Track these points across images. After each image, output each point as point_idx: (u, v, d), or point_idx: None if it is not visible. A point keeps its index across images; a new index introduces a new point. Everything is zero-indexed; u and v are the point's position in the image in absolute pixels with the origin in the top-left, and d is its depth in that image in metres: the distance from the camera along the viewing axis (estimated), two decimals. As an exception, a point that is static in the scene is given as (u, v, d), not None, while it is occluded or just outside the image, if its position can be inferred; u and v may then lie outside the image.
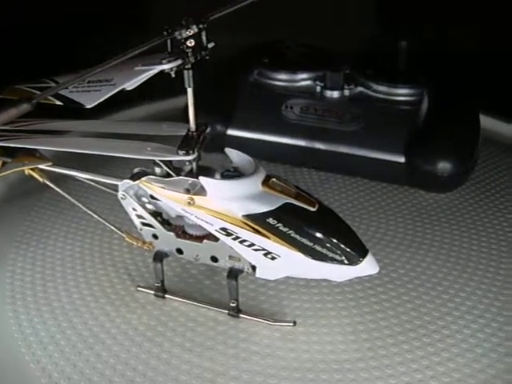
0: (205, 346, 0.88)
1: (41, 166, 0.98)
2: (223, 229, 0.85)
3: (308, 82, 1.28)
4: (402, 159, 1.15)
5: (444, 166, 1.12)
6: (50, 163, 0.98)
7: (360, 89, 1.24)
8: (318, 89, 1.26)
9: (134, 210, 0.91)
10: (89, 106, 0.80)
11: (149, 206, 0.91)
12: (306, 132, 1.21)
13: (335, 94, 1.25)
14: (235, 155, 0.89)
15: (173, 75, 0.79)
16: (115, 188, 0.92)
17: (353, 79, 1.25)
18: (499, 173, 1.24)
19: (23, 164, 1.00)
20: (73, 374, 0.84)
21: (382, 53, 1.27)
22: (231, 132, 1.25)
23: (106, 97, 0.80)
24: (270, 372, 0.83)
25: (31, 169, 0.98)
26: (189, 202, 0.85)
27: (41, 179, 0.98)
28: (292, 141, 1.22)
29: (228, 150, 0.90)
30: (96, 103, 0.80)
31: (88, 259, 1.04)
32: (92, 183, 0.97)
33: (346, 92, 1.24)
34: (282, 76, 1.29)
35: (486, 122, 1.27)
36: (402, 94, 1.22)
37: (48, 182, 0.98)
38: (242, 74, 1.31)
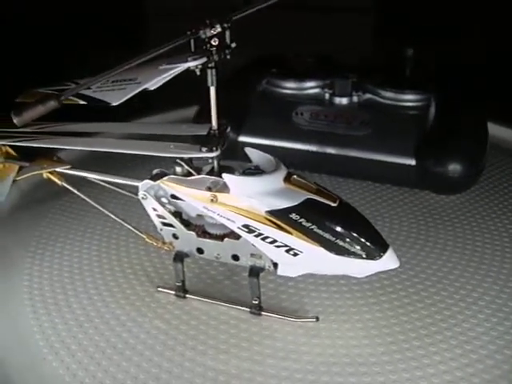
0: (229, 344, 0.88)
1: (59, 169, 0.99)
2: (245, 226, 0.85)
3: (317, 90, 1.31)
4: (412, 162, 1.17)
5: (454, 168, 1.14)
6: (69, 166, 0.99)
7: (368, 95, 1.27)
8: (327, 96, 1.29)
9: (155, 210, 0.92)
10: (114, 104, 0.81)
11: (169, 207, 0.92)
12: (316, 137, 1.23)
13: (344, 100, 1.28)
14: (255, 154, 0.91)
15: (198, 73, 0.81)
16: (132, 190, 0.93)
17: (361, 86, 1.28)
18: (506, 176, 1.27)
19: (41, 167, 1.01)
20: (97, 372, 0.84)
21: (389, 61, 1.31)
22: (242, 139, 1.27)
23: (131, 95, 0.81)
24: (296, 367, 0.84)
25: (49, 172, 1.00)
26: (212, 200, 0.86)
27: (59, 182, 0.99)
28: (303, 146, 1.24)
29: (248, 150, 0.91)
30: (122, 101, 0.81)
31: (106, 262, 1.05)
32: (109, 186, 0.99)
33: (355, 98, 1.27)
34: (292, 84, 1.32)
35: (492, 128, 1.29)
36: (410, 99, 1.25)
37: (66, 185, 0.99)
38: (252, 83, 1.34)
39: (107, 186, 0.98)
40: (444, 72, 1.28)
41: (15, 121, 0.79)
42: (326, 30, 1.74)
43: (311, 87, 1.31)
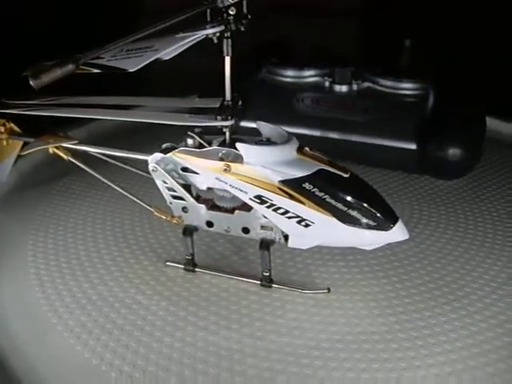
0: (241, 314, 0.88)
1: (65, 144, 0.98)
2: (258, 196, 0.86)
3: (317, 78, 1.33)
4: (413, 146, 1.19)
5: (454, 152, 1.17)
6: (76, 141, 0.99)
7: (367, 84, 1.30)
8: (327, 84, 1.31)
9: (165, 182, 0.92)
10: (131, 70, 0.81)
11: (179, 180, 0.92)
12: (318, 123, 1.24)
13: (344, 88, 1.29)
14: (266, 127, 0.91)
15: (215, 41, 0.82)
16: (139, 166, 0.93)
17: (360, 75, 1.30)
18: (501, 164, 1.29)
19: (48, 142, 1.00)
20: (109, 341, 0.83)
21: (388, 51, 1.34)
22: (245, 124, 1.27)
23: (148, 61, 0.81)
24: (309, 335, 0.84)
25: (56, 147, 0.99)
26: (225, 169, 0.86)
27: (65, 157, 0.98)
28: (305, 131, 1.25)
29: (259, 123, 0.92)
30: (139, 67, 0.81)
31: (111, 239, 1.04)
32: (115, 162, 0.98)
33: (355, 86, 1.29)
34: (292, 73, 1.34)
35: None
36: (408, 88, 1.27)
37: (73, 160, 0.98)
38: (253, 71, 1.35)
39: (113, 162, 0.98)
40: (443, 60, 1.31)
41: (32, 83, 0.79)
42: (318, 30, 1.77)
43: (311, 75, 1.33)
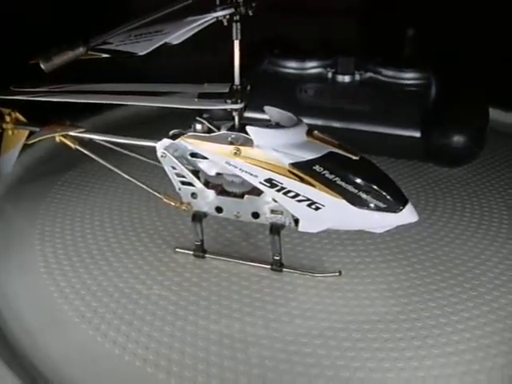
0: (253, 298, 0.88)
1: (72, 133, 0.98)
2: (268, 180, 0.86)
3: (319, 69, 1.33)
4: (417, 134, 1.20)
5: (458, 139, 1.17)
6: (83, 129, 0.98)
7: (370, 74, 1.30)
8: (330, 74, 1.31)
9: (174, 168, 0.92)
10: (141, 54, 0.81)
11: (187, 166, 0.92)
12: (322, 112, 1.24)
13: (347, 78, 1.30)
14: (274, 112, 0.91)
15: (225, 23, 0.82)
16: (145, 154, 0.94)
17: (362, 65, 1.31)
18: (503, 153, 1.30)
19: (54, 131, 1.00)
20: (121, 325, 0.83)
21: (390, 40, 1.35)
22: (249, 115, 1.27)
23: (158, 44, 0.81)
24: (322, 316, 0.84)
25: (63, 135, 0.99)
26: (235, 153, 0.86)
27: (73, 145, 0.98)
28: (309, 120, 1.25)
29: (267, 108, 0.92)
30: (149, 50, 0.81)
31: (119, 228, 1.03)
32: (122, 150, 0.98)
33: (357, 76, 1.30)
34: (295, 64, 1.34)
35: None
36: (411, 77, 1.28)
37: (80, 148, 0.98)
38: (255, 63, 1.35)
39: (120, 150, 0.98)
40: (445, 49, 1.32)
41: (43, 66, 0.79)
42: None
43: (314, 67, 1.34)
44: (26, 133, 1.04)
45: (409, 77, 1.29)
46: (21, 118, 1.03)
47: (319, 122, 1.25)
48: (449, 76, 1.28)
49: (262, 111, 1.29)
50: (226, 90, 0.89)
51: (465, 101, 1.22)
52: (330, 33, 1.47)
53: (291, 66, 1.35)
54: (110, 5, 1.48)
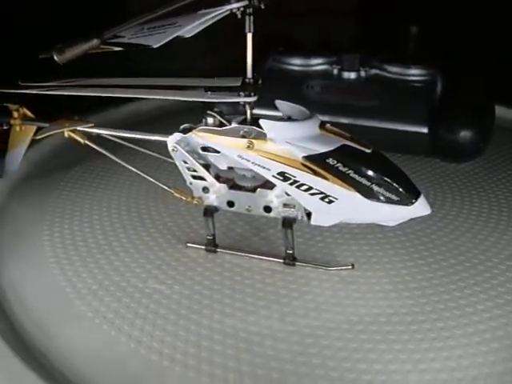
0: (266, 292, 0.87)
1: (81, 128, 0.98)
2: (281, 173, 0.86)
3: (325, 66, 1.33)
4: (425, 130, 1.20)
5: (465, 135, 1.18)
6: (92, 124, 0.98)
7: (375, 71, 1.30)
8: (336, 71, 1.32)
9: (185, 162, 0.91)
10: (155, 46, 0.81)
11: (199, 160, 0.91)
12: (329, 108, 1.24)
13: (352, 75, 1.30)
14: (286, 106, 0.91)
15: (239, 16, 0.82)
16: (154, 149, 0.93)
17: (367, 62, 1.31)
18: (508, 149, 1.30)
19: (63, 126, 0.99)
20: (135, 319, 0.82)
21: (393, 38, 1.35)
22: (256, 111, 1.27)
23: (172, 37, 0.81)
24: (337, 310, 0.84)
25: (71, 130, 0.98)
26: (248, 146, 0.86)
27: (82, 140, 0.97)
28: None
29: (278, 102, 0.92)
30: (162, 43, 0.81)
31: (128, 223, 1.03)
32: (131, 145, 0.97)
33: (363, 73, 1.30)
34: (299, 61, 1.34)
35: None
36: (417, 73, 1.28)
37: (89, 143, 0.97)
38: (260, 60, 1.35)
39: (128, 145, 0.97)
40: (450, 46, 1.32)
41: (57, 58, 0.79)
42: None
43: (319, 63, 1.34)
44: (34, 128, 1.03)
45: (415, 73, 1.29)
46: (28, 113, 1.02)
47: (326, 119, 1.25)
48: (455, 72, 1.28)
49: (269, 108, 1.30)
50: (236, 84, 0.89)
51: (472, 96, 1.23)
52: (330, 33, 1.47)
53: (296, 63, 1.35)
54: (109, 5, 1.49)
